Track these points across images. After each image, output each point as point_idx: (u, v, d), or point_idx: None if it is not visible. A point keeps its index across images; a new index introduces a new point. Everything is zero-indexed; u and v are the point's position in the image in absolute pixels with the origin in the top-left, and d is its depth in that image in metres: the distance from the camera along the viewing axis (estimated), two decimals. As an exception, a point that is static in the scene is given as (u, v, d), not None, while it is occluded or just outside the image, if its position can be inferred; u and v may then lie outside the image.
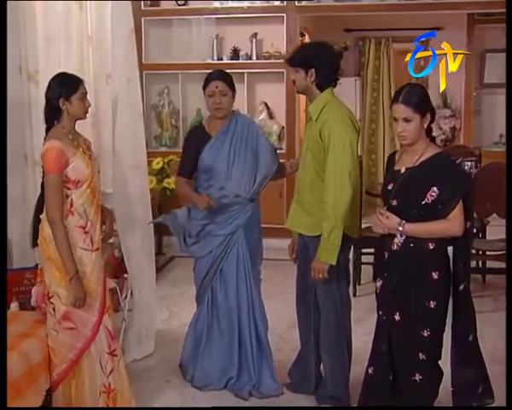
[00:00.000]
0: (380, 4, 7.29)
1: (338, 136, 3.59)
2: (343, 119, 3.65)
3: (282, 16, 7.08)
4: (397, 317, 3.22)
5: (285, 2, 7.06)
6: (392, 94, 9.57)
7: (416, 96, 3.12)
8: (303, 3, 7.12)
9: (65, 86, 3.56)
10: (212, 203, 3.92)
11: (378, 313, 3.33)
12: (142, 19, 7.24)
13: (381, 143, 9.57)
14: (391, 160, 3.35)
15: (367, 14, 8.00)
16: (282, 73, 7.00)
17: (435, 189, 3.06)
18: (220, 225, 4.06)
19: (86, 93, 3.64)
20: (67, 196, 3.54)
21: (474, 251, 5.71)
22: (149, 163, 6.70)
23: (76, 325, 3.60)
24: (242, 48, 7.27)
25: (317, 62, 3.68)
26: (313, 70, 3.67)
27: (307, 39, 8.03)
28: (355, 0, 7.21)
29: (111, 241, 4.57)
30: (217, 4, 7.24)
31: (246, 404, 4.06)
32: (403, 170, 3.20)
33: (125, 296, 4.53)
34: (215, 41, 7.27)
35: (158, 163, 6.81)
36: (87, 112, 3.66)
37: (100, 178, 3.79)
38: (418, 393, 3.26)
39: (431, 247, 3.13)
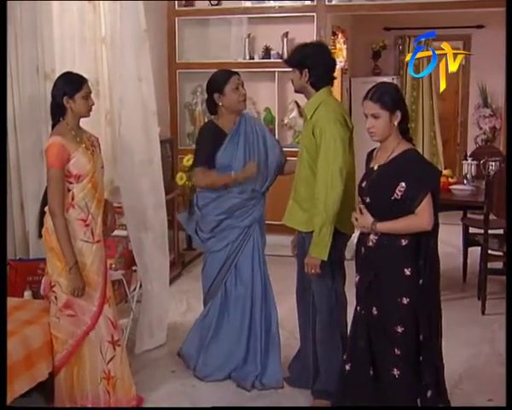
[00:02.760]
0: (413, 3, 7.21)
1: (329, 133, 3.65)
2: (335, 117, 3.71)
3: (313, 16, 7.11)
4: (374, 311, 3.29)
5: (315, 1, 7.08)
6: (433, 93, 9.59)
7: (386, 94, 3.20)
8: (333, 2, 7.12)
9: (69, 85, 3.73)
10: (254, 168, 4.06)
11: (356, 308, 3.39)
12: (176, 19, 7.38)
13: (421, 142, 9.52)
14: (369, 157, 3.42)
15: (401, 13, 7.99)
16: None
17: (403, 184, 3.13)
18: (238, 218, 4.18)
19: (90, 92, 3.79)
20: (69, 190, 3.71)
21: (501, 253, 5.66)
22: (181, 160, 6.88)
23: (76, 313, 3.78)
24: (274, 47, 7.33)
25: (311, 62, 3.75)
26: (307, 70, 3.76)
27: (340, 38, 8.04)
28: (385, -1, 7.17)
29: (125, 234, 4.73)
30: (248, 4, 7.33)
31: (247, 394, 4.16)
32: (375, 167, 3.29)
33: (134, 288, 4.68)
34: (247, 40, 7.36)
35: (188, 160, 6.93)
36: (90, 110, 3.81)
37: (103, 173, 3.93)
38: (398, 388, 3.29)
39: (403, 243, 3.18)
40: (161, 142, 6.11)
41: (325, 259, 3.68)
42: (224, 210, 4.16)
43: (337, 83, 8.27)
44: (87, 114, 3.81)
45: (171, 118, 7.47)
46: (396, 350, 3.24)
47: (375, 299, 3.28)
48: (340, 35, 8.03)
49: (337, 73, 8.19)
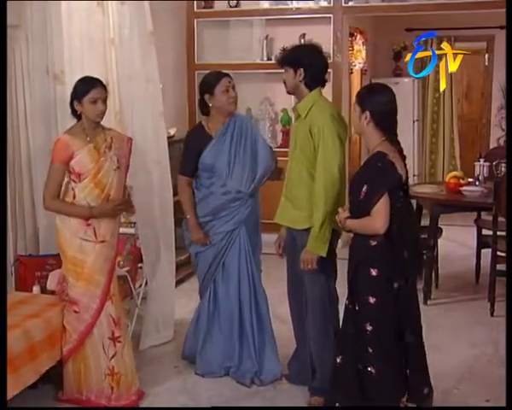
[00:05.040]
0: (430, 4, 7.19)
1: (327, 132, 3.73)
2: (332, 115, 3.79)
3: (330, 17, 7.13)
4: (356, 307, 3.39)
5: (332, 2, 7.11)
6: (454, 94, 9.55)
7: (362, 92, 3.40)
8: (350, 4, 7.15)
9: (79, 88, 3.87)
10: (205, 241, 4.26)
11: (345, 302, 3.48)
12: (195, 20, 7.48)
13: (441, 143, 9.49)
14: None
15: (423, 14, 7.95)
16: (329, 72, 7.04)
17: (365, 186, 3.23)
18: (222, 221, 4.26)
19: (100, 98, 3.84)
20: (72, 189, 3.85)
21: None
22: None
23: (79, 310, 3.90)
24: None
25: (306, 62, 3.83)
26: (302, 69, 3.82)
27: (359, 39, 8.06)
28: (403, 0, 7.15)
29: (133, 232, 4.83)
30: (266, 6, 7.39)
31: (245, 391, 4.23)
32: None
33: (140, 285, 4.78)
34: (265, 41, 7.42)
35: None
36: (99, 115, 3.88)
37: (118, 175, 3.95)
38: (375, 386, 3.36)
39: (372, 244, 3.26)
40: (176, 141, 6.26)
41: (324, 255, 3.75)
42: (209, 211, 4.25)
43: (356, 83, 8.31)
44: (95, 119, 3.88)
45: (190, 118, 7.55)
46: (368, 348, 3.33)
47: (354, 295, 3.39)
48: (358, 36, 8.05)
49: (356, 74, 8.33)
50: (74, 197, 3.84)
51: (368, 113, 3.28)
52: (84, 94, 3.82)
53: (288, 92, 4.01)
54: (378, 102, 3.30)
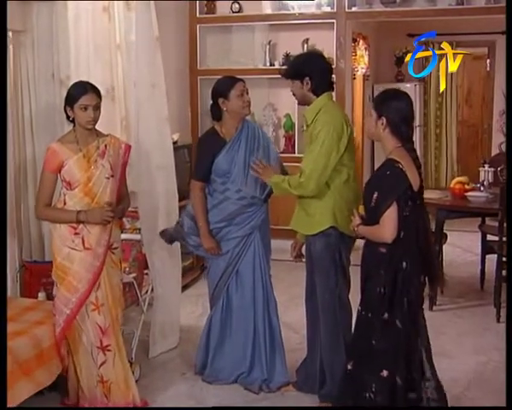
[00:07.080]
0: (432, 9, 7.20)
1: (322, 135, 3.75)
2: (331, 122, 3.79)
3: (333, 22, 7.13)
4: (368, 314, 3.39)
5: (335, 8, 7.11)
6: (457, 99, 9.56)
7: (378, 98, 3.39)
8: (353, 9, 7.14)
9: (70, 94, 3.82)
10: (217, 251, 4.21)
11: (358, 308, 3.50)
12: (198, 25, 7.46)
13: (445, 148, 9.48)
14: None
15: (425, 20, 7.94)
16: (332, 78, 7.03)
17: (376, 193, 3.23)
18: (237, 226, 4.22)
19: (90, 104, 3.74)
20: (64, 195, 3.83)
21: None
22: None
23: (56, 313, 3.88)
24: (294, 53, 7.31)
25: (309, 70, 3.85)
26: (308, 78, 3.84)
27: (361, 45, 8.06)
28: (405, 6, 7.15)
29: (139, 238, 4.80)
30: (269, 11, 7.37)
31: (253, 396, 4.21)
32: None
33: (146, 291, 4.76)
34: (268, 47, 7.41)
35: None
36: (90, 122, 3.78)
37: (111, 183, 3.86)
38: (388, 392, 3.35)
39: (382, 251, 3.25)
40: (180, 147, 6.26)
41: (272, 185, 3.98)
42: (223, 217, 4.21)
43: (358, 89, 8.31)
44: (86, 126, 3.79)
45: (192, 124, 7.54)
46: (380, 356, 3.36)
47: (365, 302, 3.40)
48: (361, 41, 8.05)
49: (358, 79, 8.33)
50: (65, 203, 3.82)
51: (384, 119, 3.26)
52: (75, 100, 3.75)
53: (299, 103, 4.03)
54: (395, 108, 3.28)
